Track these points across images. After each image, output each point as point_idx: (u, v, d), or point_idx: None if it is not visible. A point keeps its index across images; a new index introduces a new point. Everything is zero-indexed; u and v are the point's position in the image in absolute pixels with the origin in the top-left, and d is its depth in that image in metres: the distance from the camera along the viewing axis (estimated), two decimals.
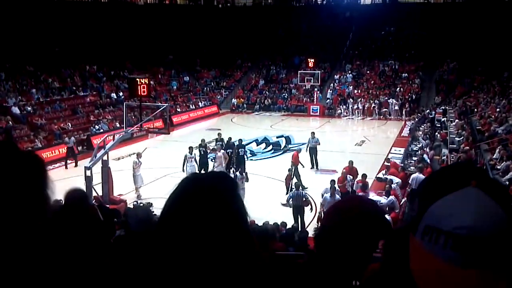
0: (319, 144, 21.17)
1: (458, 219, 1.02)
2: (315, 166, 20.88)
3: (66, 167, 21.73)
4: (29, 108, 26.63)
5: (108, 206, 12.28)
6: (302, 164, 18.88)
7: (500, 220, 1.03)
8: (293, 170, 17.42)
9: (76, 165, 21.79)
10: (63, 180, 18.74)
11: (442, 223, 1.03)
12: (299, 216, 14.04)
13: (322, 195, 14.03)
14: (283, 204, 15.66)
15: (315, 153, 21.03)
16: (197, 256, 1.25)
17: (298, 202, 14.15)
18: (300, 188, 14.97)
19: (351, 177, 15.89)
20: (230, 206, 1.31)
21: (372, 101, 36.55)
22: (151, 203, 13.59)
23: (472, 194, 1.05)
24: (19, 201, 1.58)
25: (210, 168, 18.62)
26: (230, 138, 21.33)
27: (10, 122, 24.33)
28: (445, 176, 1.13)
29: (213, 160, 19.18)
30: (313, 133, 21.70)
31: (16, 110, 25.73)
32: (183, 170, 17.96)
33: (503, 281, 1.03)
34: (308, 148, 21.04)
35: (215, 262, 1.25)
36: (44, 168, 1.78)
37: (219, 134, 21.87)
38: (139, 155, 17.77)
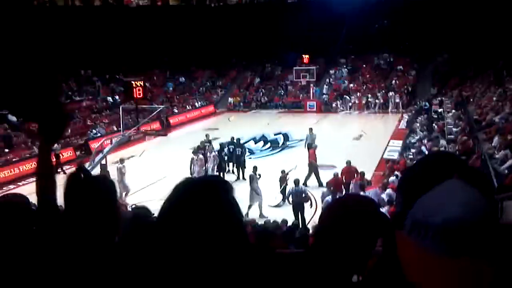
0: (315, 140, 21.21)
1: (446, 213, 1.03)
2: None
3: (65, 172, 21.58)
4: None
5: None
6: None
7: (486, 209, 1.06)
8: (292, 170, 17.34)
9: (63, 172, 21.39)
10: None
11: (429, 218, 1.04)
12: (299, 213, 14.02)
13: (322, 200, 13.98)
14: (273, 206, 15.68)
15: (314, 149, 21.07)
16: (193, 257, 1.26)
17: (298, 199, 14.13)
18: (300, 184, 14.91)
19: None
20: (223, 209, 1.31)
21: (369, 96, 36.53)
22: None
23: (456, 185, 1.07)
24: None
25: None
26: (232, 138, 21.04)
27: (8, 130, 24.32)
28: (426, 169, 1.13)
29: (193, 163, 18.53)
30: (311, 129, 21.66)
31: (12, 117, 25.67)
32: (190, 173, 17.76)
33: (492, 267, 1.05)
34: (306, 144, 21.06)
35: (210, 263, 1.26)
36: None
37: (206, 136, 21.30)
38: (122, 161, 17.59)
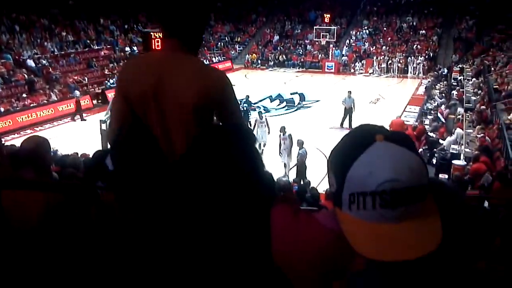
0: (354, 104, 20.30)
1: (378, 175, 1.02)
2: (349, 126, 19.65)
3: (74, 120, 21.94)
4: (44, 61, 26.67)
5: None
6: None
7: (417, 163, 1.05)
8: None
9: (82, 119, 22.04)
10: (80, 132, 19.02)
11: (364, 185, 1.03)
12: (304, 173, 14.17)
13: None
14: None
15: (350, 114, 20.04)
16: (204, 200, 1.29)
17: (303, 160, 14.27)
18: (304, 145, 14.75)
19: None
20: (241, 155, 1.34)
21: (389, 59, 36.01)
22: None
23: (382, 147, 1.05)
24: None
25: None
26: (247, 96, 20.95)
27: (26, 75, 24.45)
28: (349, 141, 1.12)
29: None
30: (349, 92, 20.54)
31: (31, 63, 25.80)
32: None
33: (437, 225, 1.05)
34: (344, 108, 20.25)
35: (221, 207, 1.29)
36: None
37: None
38: None
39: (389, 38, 39.08)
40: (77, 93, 23.31)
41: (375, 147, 1.06)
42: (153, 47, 16.73)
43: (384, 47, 37.83)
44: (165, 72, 2.11)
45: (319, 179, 14.37)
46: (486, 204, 7.63)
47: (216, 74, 2.23)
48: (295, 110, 24.52)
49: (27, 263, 2.14)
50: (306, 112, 23.98)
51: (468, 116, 18.43)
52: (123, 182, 2.00)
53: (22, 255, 2.16)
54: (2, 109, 21.17)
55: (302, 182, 12.73)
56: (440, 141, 15.80)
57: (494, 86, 21.40)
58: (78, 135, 18.41)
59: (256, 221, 1.29)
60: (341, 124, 20.22)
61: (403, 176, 1.01)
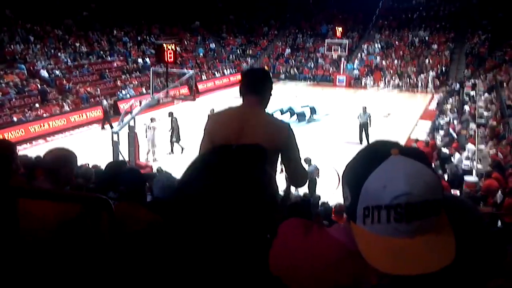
0: (371, 119, 20.23)
1: (393, 189, 1.02)
2: (365, 142, 19.51)
3: (111, 126, 22.26)
4: (57, 72, 26.93)
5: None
6: None
7: (431, 178, 1.04)
8: None
9: (103, 128, 22.37)
10: (92, 143, 19.13)
11: (379, 199, 1.03)
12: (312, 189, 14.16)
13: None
14: None
15: (366, 129, 19.96)
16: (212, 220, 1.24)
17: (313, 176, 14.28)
18: (312, 161, 14.79)
19: None
20: (251, 178, 1.25)
21: (401, 73, 35.95)
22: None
23: (397, 161, 1.05)
24: None
25: None
26: None
27: (39, 85, 24.71)
28: (365, 155, 1.12)
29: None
30: (364, 107, 20.55)
31: (44, 73, 26.07)
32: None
33: (451, 240, 1.05)
34: (359, 124, 20.17)
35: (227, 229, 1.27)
36: None
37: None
38: (153, 120, 18.02)
39: (401, 52, 39.06)
40: (104, 102, 23.80)
41: (390, 161, 1.06)
42: (166, 59, 16.89)
43: (396, 61, 37.82)
44: (248, 121, 2.97)
45: (329, 193, 14.33)
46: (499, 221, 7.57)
47: (283, 125, 3.15)
48: (306, 123, 24.51)
49: (36, 271, 2.14)
50: (317, 126, 23.96)
51: (480, 131, 18.33)
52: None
53: (31, 264, 2.18)
54: (15, 119, 21.39)
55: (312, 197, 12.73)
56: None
57: (507, 102, 21.26)
58: (89, 146, 18.51)
59: (250, 235, 1.28)
60: (360, 140, 19.99)
61: (418, 190, 1.01)
